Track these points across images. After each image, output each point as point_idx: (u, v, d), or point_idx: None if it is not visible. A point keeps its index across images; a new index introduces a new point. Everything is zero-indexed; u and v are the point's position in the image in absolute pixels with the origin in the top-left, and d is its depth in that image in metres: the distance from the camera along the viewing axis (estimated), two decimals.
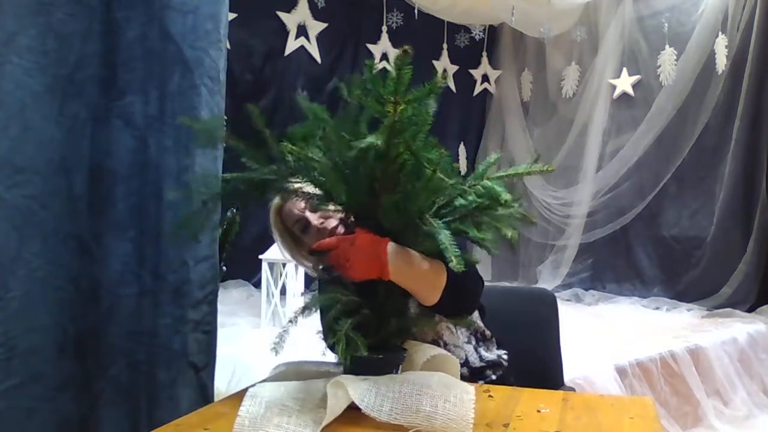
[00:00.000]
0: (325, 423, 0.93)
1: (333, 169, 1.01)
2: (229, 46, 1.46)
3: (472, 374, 1.35)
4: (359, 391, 0.97)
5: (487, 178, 1.05)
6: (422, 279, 1.08)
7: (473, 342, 1.39)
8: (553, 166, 1.15)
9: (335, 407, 0.94)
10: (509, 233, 1.06)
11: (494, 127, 5.75)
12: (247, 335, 3.07)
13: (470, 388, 0.99)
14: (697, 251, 4.41)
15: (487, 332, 1.43)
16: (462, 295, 1.15)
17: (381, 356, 1.04)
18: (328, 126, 1.03)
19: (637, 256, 4.76)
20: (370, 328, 1.05)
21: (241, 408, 0.94)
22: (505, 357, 1.41)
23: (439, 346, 1.30)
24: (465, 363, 1.34)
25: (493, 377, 1.37)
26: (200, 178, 1.19)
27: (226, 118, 1.39)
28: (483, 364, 1.37)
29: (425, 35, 5.28)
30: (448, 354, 1.15)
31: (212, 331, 1.36)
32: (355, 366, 1.01)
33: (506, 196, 1.02)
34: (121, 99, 1.25)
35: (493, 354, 1.41)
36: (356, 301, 1.04)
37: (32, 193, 1.14)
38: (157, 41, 1.27)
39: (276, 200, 1.34)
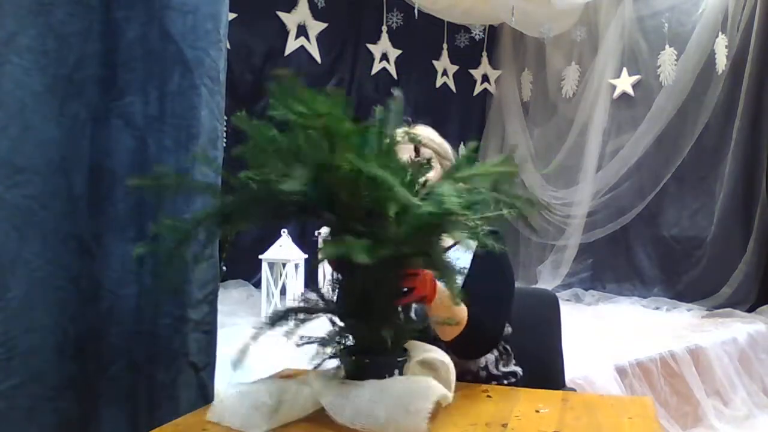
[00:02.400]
0: (286, 420, 0.97)
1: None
2: (229, 46, 1.46)
3: (488, 379, 1.43)
4: (328, 392, 0.99)
5: (455, 178, 1.01)
6: (452, 314, 1.23)
7: (495, 353, 1.46)
8: (517, 168, 1.10)
9: (303, 405, 0.99)
10: (472, 244, 1.03)
11: (494, 127, 5.75)
12: (247, 335, 3.06)
13: (434, 398, 0.96)
14: (697, 251, 4.41)
15: (508, 347, 1.51)
16: (471, 344, 1.31)
17: (367, 360, 1.05)
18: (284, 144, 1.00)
19: (637, 256, 4.76)
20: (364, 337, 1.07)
21: (217, 396, 1.00)
22: (520, 372, 1.49)
23: None
24: (485, 368, 1.42)
25: (504, 382, 1.44)
26: (170, 223, 1.08)
27: (226, 118, 1.39)
28: (499, 373, 1.45)
29: (425, 35, 5.28)
30: (439, 358, 1.12)
31: (212, 331, 1.36)
32: (352, 370, 1.05)
33: (452, 205, 0.91)
34: (121, 99, 1.25)
35: (510, 368, 1.49)
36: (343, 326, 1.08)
37: (32, 193, 1.14)
38: (157, 41, 1.27)
39: None
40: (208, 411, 1.02)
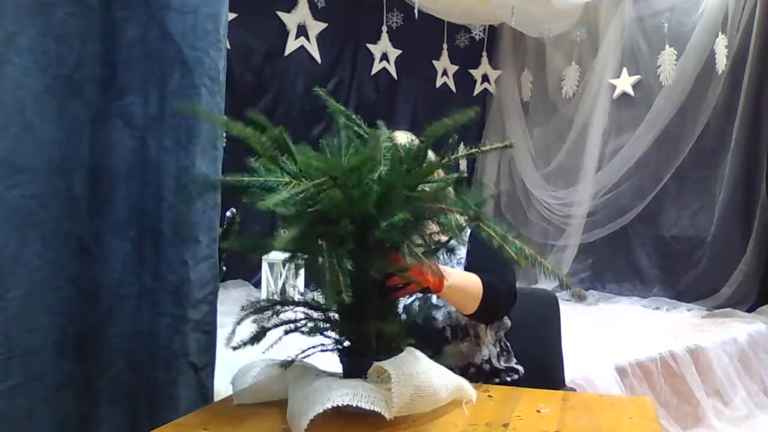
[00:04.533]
0: (255, 399, 1.13)
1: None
2: (229, 46, 1.46)
3: (492, 372, 1.47)
4: (293, 384, 1.08)
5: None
6: (467, 291, 1.28)
7: (497, 348, 1.51)
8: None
9: (276, 390, 1.12)
10: None
11: (494, 127, 5.75)
12: (247, 335, 3.05)
13: (327, 405, 0.96)
14: (697, 251, 4.41)
15: (508, 344, 1.55)
16: (494, 306, 1.35)
17: (346, 359, 1.09)
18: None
19: (637, 256, 4.76)
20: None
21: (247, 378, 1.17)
22: (522, 370, 1.52)
23: (468, 335, 1.45)
24: (488, 361, 1.47)
25: (507, 379, 1.48)
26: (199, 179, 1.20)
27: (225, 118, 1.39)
28: (502, 367, 1.49)
29: (425, 35, 5.27)
30: (396, 371, 1.02)
31: (212, 331, 1.36)
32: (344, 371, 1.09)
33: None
34: (121, 99, 1.25)
35: (511, 365, 1.52)
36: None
37: (32, 193, 1.14)
38: (157, 41, 1.27)
39: None
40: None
